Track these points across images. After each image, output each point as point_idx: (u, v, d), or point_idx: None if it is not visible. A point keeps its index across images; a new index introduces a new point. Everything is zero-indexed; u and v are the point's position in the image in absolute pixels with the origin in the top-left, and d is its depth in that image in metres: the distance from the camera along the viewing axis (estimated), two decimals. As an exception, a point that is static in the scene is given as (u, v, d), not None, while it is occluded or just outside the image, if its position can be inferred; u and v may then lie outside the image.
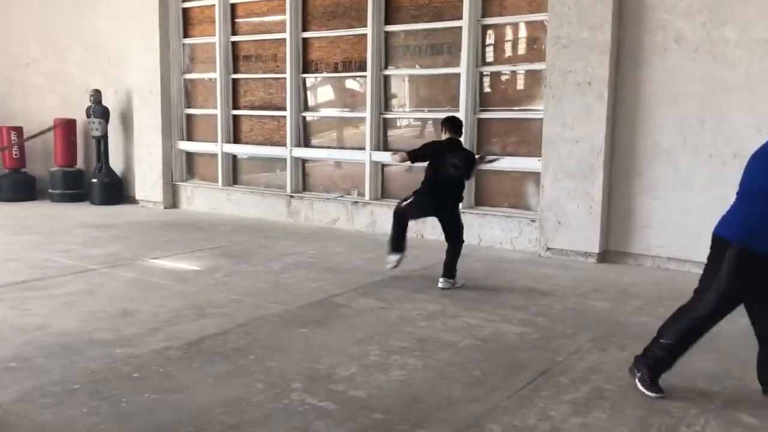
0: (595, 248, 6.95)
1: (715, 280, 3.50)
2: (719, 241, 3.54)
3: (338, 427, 3.25)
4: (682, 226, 6.60)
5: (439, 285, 5.83)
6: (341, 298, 5.54)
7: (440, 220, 6.01)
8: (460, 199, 6.10)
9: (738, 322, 5.05)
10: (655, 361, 3.66)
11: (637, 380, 3.71)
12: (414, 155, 5.98)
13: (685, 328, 3.61)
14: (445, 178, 5.83)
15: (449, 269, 5.88)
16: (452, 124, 5.97)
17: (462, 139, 6.11)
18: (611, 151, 6.91)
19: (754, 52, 6.10)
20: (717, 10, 6.26)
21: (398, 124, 8.82)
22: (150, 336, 4.53)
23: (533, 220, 7.39)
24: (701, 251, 6.45)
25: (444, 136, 5.95)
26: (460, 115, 7.86)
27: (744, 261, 3.39)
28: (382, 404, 3.52)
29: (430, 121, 8.47)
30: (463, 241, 5.98)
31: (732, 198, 3.64)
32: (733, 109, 6.26)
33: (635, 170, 6.83)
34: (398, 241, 6.03)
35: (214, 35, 9.92)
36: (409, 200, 5.98)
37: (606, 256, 7.02)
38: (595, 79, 6.78)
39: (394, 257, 6.04)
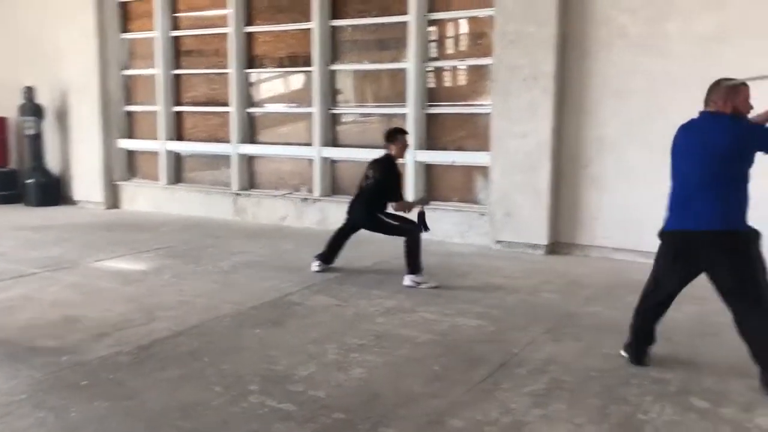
0: (544, 240, 7.05)
1: (748, 272, 3.55)
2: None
3: (299, 429, 3.19)
4: (627, 217, 6.74)
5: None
6: (295, 296, 5.46)
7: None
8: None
9: (684, 311, 5.21)
10: None
11: None
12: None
13: None
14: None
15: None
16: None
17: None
18: (558, 144, 7.01)
19: (695, 46, 6.27)
20: (659, 6, 6.40)
21: (346, 120, 8.75)
22: (97, 342, 4.36)
23: (483, 214, 7.45)
24: (646, 241, 6.65)
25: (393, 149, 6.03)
26: (408, 110, 7.88)
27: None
28: (343, 403, 3.47)
29: (378, 117, 8.44)
30: None
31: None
32: (677, 102, 6.37)
33: (581, 163, 6.96)
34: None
35: (154, 30, 9.65)
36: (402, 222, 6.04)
37: (554, 247, 7.13)
38: (541, 73, 6.86)
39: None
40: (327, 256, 6.30)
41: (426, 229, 6.00)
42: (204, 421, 3.26)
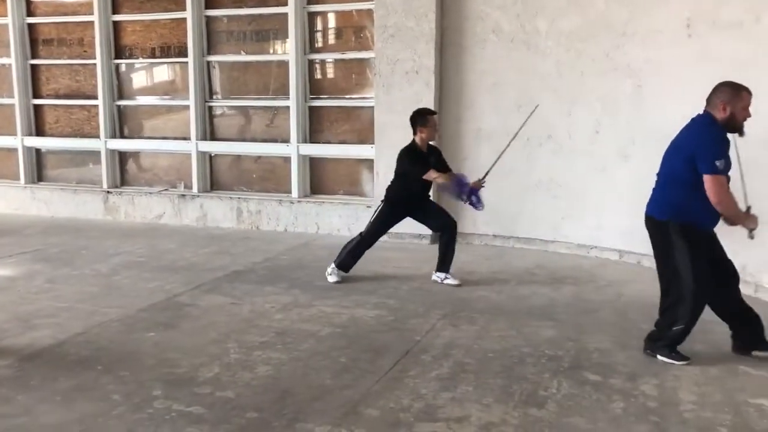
0: (428, 230, 7.22)
1: (677, 260, 3.84)
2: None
3: (213, 431, 3.10)
4: (505, 205, 7.05)
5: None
6: (185, 297, 5.26)
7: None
8: None
9: (563, 292, 5.55)
10: (674, 341, 3.92)
11: (663, 358, 3.93)
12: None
13: (694, 307, 3.84)
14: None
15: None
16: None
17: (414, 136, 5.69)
18: (439, 136, 7.19)
19: (562, 42, 6.66)
20: (529, 3, 6.74)
21: (225, 113, 8.52)
22: (-30, 356, 4.00)
23: (369, 206, 7.51)
24: (521, 227, 7.06)
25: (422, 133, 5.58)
26: (291, 103, 7.80)
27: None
28: (254, 402, 3.40)
29: (258, 109, 8.29)
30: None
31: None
32: (546, 95, 6.77)
33: (461, 154, 7.19)
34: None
35: (6, 15, 8.89)
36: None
37: (438, 236, 7.33)
38: (422, 67, 7.02)
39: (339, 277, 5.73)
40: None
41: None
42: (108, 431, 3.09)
